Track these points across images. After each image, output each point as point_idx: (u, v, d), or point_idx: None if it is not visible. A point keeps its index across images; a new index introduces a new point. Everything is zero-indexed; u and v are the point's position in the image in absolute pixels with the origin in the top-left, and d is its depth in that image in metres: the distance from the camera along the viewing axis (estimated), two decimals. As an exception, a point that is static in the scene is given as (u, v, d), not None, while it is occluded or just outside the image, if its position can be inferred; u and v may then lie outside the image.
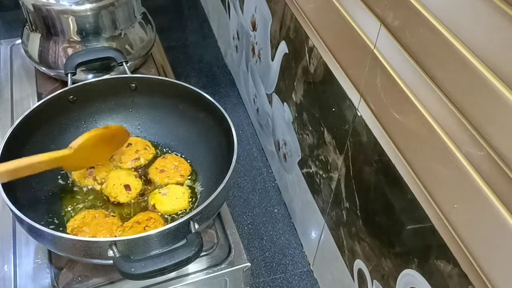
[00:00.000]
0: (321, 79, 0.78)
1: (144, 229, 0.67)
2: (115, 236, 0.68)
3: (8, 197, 0.59)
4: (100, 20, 0.89)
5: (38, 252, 0.70)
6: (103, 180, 0.76)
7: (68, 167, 0.72)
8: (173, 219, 0.71)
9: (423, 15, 0.49)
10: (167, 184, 0.76)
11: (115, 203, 0.73)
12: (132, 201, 0.74)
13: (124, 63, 0.83)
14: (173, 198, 0.73)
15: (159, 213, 0.72)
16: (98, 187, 0.75)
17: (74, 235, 0.67)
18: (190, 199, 0.74)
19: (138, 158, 0.79)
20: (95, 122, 0.82)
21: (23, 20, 0.94)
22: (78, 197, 0.74)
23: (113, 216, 0.71)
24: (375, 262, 0.69)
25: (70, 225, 0.69)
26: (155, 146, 0.82)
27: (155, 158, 0.80)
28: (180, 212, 0.73)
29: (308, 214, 0.97)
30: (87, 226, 0.68)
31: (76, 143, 0.68)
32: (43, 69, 0.95)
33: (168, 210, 0.72)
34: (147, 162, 0.79)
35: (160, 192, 0.74)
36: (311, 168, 0.91)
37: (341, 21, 0.66)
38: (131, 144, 0.80)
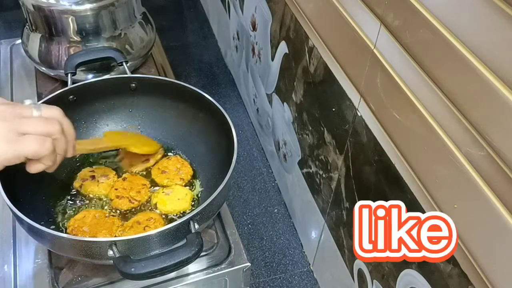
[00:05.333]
0: (321, 79, 0.78)
1: (144, 229, 0.67)
2: (115, 236, 0.68)
3: (8, 197, 0.59)
4: (100, 20, 0.89)
5: (38, 252, 0.70)
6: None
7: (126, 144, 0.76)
8: (173, 220, 0.71)
9: (423, 15, 0.49)
10: (166, 185, 0.76)
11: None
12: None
13: (124, 63, 0.83)
14: (175, 198, 0.73)
15: (160, 213, 0.72)
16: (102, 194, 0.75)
17: (74, 235, 0.67)
18: (192, 201, 0.74)
19: (147, 159, 0.78)
20: (95, 122, 0.82)
21: (23, 20, 0.94)
22: (79, 197, 0.74)
23: (113, 216, 0.71)
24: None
25: (70, 225, 0.69)
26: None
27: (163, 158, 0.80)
28: (181, 213, 0.72)
29: (308, 214, 0.97)
30: (87, 226, 0.68)
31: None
32: (43, 69, 0.95)
33: (169, 211, 0.72)
34: (156, 162, 0.79)
35: (163, 192, 0.74)
36: (311, 168, 0.91)
37: (341, 21, 0.66)
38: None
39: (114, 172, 0.77)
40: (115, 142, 0.76)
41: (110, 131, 0.81)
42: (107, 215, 0.71)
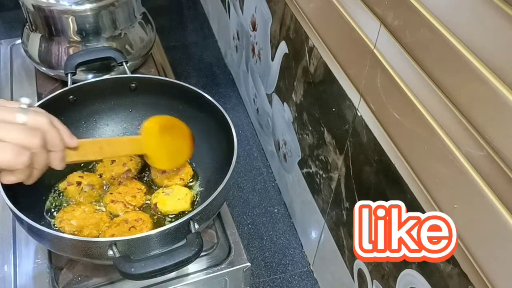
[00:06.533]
0: (321, 79, 0.78)
1: (130, 229, 0.67)
2: (100, 232, 0.67)
3: (8, 197, 0.59)
4: (100, 20, 0.89)
5: (38, 252, 0.70)
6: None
7: (151, 156, 0.69)
8: (173, 220, 0.72)
9: (423, 15, 0.49)
10: (166, 185, 0.76)
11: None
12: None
13: (124, 63, 0.83)
14: (175, 198, 0.73)
15: (160, 212, 0.72)
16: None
17: (61, 227, 0.67)
18: (192, 201, 0.74)
19: (129, 170, 0.77)
20: (95, 122, 0.82)
21: (23, 20, 0.94)
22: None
23: (102, 211, 0.71)
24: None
25: (59, 216, 0.68)
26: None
27: (144, 164, 0.78)
28: (181, 213, 0.72)
29: (308, 214, 0.97)
30: (75, 220, 0.67)
31: (142, 127, 0.69)
32: (43, 69, 0.95)
33: (169, 210, 0.72)
34: (139, 169, 0.78)
35: (163, 192, 0.74)
36: (311, 168, 0.91)
37: (341, 21, 0.66)
38: (115, 160, 0.78)
39: (102, 183, 0.76)
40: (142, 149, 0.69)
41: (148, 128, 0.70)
42: (96, 210, 0.70)
